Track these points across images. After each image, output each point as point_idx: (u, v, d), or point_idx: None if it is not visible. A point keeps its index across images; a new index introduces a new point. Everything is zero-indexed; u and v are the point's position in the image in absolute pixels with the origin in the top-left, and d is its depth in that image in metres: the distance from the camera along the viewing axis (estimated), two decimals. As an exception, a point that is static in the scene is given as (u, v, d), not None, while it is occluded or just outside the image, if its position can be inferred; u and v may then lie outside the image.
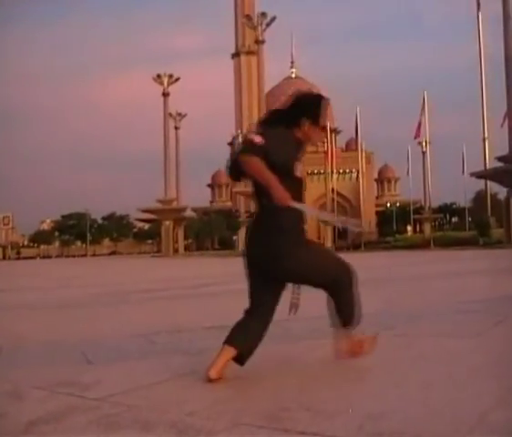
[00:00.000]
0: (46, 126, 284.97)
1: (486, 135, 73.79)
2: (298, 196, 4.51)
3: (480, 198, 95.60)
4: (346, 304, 4.78)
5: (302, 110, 4.71)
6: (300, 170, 4.59)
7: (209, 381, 4.52)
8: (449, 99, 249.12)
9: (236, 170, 4.52)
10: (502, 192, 67.06)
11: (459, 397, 3.94)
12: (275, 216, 4.47)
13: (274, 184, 4.28)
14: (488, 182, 73.28)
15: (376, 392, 4.15)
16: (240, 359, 4.74)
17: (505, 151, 57.83)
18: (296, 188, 4.55)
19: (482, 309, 8.50)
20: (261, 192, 4.48)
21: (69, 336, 7.61)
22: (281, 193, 4.28)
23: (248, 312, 4.84)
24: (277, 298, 4.82)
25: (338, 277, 4.74)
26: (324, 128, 4.84)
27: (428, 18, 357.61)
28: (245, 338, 4.74)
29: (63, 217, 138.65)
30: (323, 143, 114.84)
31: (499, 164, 59.32)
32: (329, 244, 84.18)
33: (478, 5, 74.31)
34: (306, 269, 4.70)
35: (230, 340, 4.71)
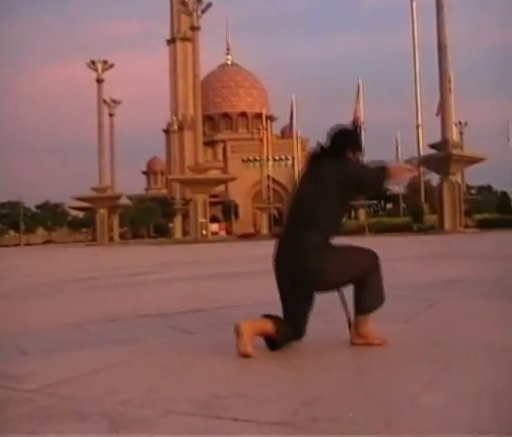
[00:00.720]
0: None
1: (419, 122, 74.90)
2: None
3: (414, 184, 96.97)
4: (373, 290, 5.13)
5: (345, 143, 5.28)
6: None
7: (236, 330, 4.80)
8: (384, 86, 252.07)
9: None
10: (435, 179, 68.27)
11: (390, 381, 4.04)
12: (310, 233, 4.99)
13: (403, 169, 5.54)
14: (422, 169, 74.42)
15: (310, 378, 4.20)
16: (274, 341, 4.98)
17: (438, 138, 58.83)
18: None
19: (413, 295, 8.65)
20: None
21: (3, 328, 7.51)
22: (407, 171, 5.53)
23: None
24: (310, 305, 5.17)
25: (369, 264, 5.17)
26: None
27: (364, 5, 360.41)
28: (283, 323, 5.00)
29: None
30: (258, 130, 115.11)
31: (432, 151, 60.30)
32: (265, 231, 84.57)
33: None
34: (343, 268, 5.10)
35: (269, 315, 5.04)
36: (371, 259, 5.19)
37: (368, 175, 5.21)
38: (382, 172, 5.15)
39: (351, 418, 3.24)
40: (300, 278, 4.95)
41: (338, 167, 5.10)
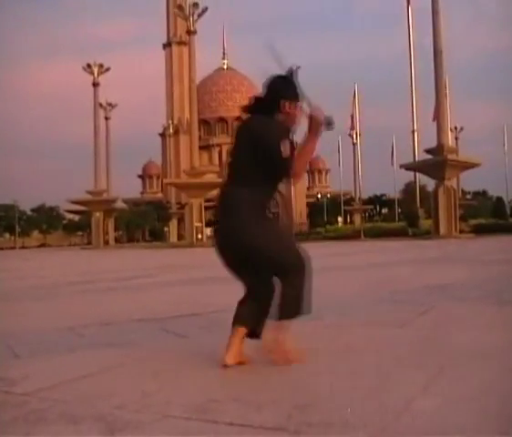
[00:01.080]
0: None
1: (415, 127, 74.92)
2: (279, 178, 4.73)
3: (409, 189, 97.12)
4: (294, 296, 4.63)
5: (279, 93, 4.71)
6: (286, 151, 4.49)
7: (226, 366, 4.57)
8: (380, 92, 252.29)
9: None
10: (430, 184, 68.28)
11: (386, 385, 4.01)
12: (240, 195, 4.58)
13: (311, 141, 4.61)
14: (417, 174, 74.47)
15: (304, 382, 4.18)
16: (255, 333, 4.80)
17: (434, 143, 58.87)
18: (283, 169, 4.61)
19: (408, 300, 8.66)
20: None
21: (-4, 330, 7.49)
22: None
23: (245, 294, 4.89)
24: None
25: (296, 263, 4.67)
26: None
27: (359, 11, 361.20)
28: (251, 313, 4.76)
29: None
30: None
31: (428, 156, 60.34)
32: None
33: (408, -2, 75.42)
34: (266, 246, 4.61)
35: (238, 320, 4.75)
36: (299, 256, 4.67)
37: (277, 161, 4.48)
38: (289, 166, 4.50)
39: (345, 422, 3.23)
40: (240, 253, 4.65)
41: (259, 125, 4.64)
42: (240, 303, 4.83)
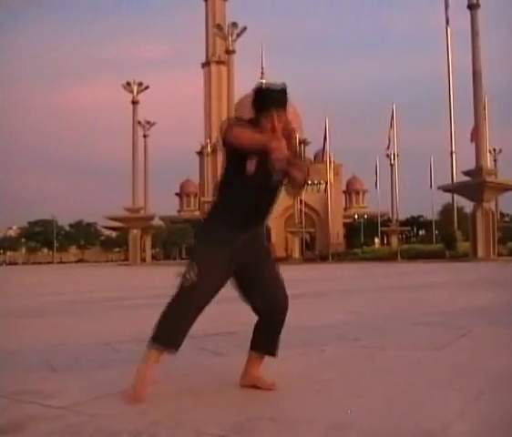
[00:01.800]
0: (13, 132, 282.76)
1: (453, 149, 74.41)
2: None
3: (447, 211, 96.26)
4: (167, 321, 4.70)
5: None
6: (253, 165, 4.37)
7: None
8: (418, 113, 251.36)
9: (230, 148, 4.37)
10: (468, 206, 67.74)
11: (422, 409, 3.97)
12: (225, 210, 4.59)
13: (266, 139, 4.15)
14: (455, 196, 73.89)
15: (339, 403, 4.15)
16: (269, 352, 4.69)
17: (472, 165, 58.45)
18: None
19: (446, 322, 8.57)
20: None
21: (34, 344, 7.53)
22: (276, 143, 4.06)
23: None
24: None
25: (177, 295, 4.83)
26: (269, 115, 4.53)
27: (398, 32, 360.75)
28: (261, 336, 4.70)
29: (30, 223, 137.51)
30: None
31: (466, 178, 59.91)
32: (296, 255, 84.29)
33: (447, 19, 75.11)
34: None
35: (251, 345, 4.73)
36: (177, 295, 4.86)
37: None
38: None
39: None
40: None
41: None
42: (255, 326, 4.75)
